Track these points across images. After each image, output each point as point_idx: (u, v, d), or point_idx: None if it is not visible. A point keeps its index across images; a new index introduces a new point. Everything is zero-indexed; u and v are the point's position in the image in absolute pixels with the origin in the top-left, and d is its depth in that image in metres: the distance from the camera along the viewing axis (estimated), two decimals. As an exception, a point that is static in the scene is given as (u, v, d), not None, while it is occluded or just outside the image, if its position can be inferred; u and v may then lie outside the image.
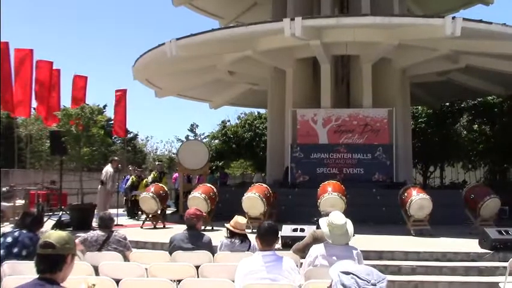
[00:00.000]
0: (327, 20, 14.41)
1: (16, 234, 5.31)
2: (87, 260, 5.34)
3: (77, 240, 5.86)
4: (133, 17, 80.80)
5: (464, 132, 26.42)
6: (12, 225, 5.45)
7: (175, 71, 17.45)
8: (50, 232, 3.00)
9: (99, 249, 5.76)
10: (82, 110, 12.10)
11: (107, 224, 6.07)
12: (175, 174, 17.34)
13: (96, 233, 5.97)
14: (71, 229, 11.26)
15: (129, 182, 15.42)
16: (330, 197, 10.68)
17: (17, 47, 16.16)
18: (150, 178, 15.16)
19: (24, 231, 5.36)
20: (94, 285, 3.21)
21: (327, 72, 16.11)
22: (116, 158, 14.30)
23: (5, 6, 60.48)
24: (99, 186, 13.30)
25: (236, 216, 5.89)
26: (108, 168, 13.24)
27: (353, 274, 2.79)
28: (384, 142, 15.46)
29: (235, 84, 20.56)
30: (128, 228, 11.70)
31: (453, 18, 12.49)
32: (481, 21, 12.74)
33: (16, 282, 3.08)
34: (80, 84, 19.03)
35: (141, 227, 12.40)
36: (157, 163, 18.14)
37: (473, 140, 25.58)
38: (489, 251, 8.34)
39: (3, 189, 14.75)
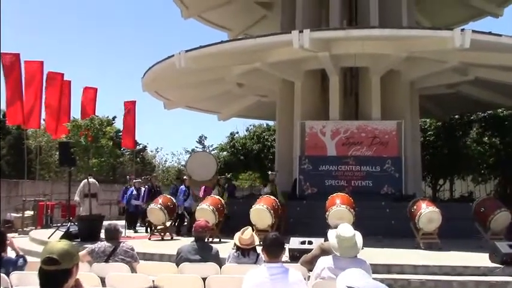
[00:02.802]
0: (335, 32, 14.48)
1: None
2: (94, 271, 5.32)
3: (84, 251, 5.86)
4: (143, 29, 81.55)
5: (474, 144, 26.24)
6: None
7: (184, 83, 17.52)
8: (51, 245, 2.76)
9: (106, 261, 5.75)
10: (91, 121, 12.19)
11: (113, 235, 6.05)
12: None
13: (103, 244, 5.95)
14: (79, 240, 11.31)
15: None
16: (338, 210, 10.63)
17: (27, 59, 16.46)
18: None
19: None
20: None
21: (336, 84, 16.09)
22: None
23: (16, 17, 61.38)
24: (84, 198, 14.19)
25: (242, 229, 5.83)
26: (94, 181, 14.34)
27: (360, 292, 2.73)
28: (392, 154, 15.37)
29: (244, 96, 20.59)
30: (135, 240, 11.69)
31: (462, 30, 12.50)
32: (490, 33, 12.71)
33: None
34: (89, 95, 19.25)
35: (149, 239, 12.40)
36: (141, 178, 16.56)
37: (483, 152, 25.39)
38: (500, 265, 8.23)
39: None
